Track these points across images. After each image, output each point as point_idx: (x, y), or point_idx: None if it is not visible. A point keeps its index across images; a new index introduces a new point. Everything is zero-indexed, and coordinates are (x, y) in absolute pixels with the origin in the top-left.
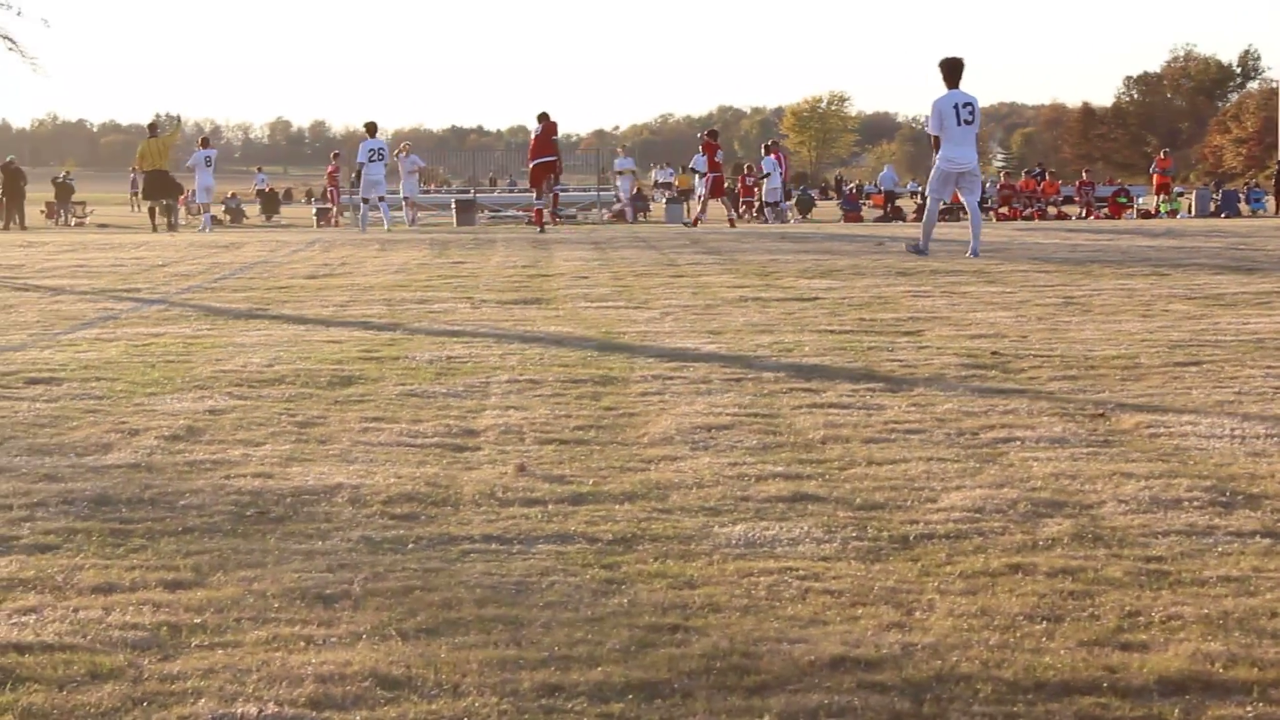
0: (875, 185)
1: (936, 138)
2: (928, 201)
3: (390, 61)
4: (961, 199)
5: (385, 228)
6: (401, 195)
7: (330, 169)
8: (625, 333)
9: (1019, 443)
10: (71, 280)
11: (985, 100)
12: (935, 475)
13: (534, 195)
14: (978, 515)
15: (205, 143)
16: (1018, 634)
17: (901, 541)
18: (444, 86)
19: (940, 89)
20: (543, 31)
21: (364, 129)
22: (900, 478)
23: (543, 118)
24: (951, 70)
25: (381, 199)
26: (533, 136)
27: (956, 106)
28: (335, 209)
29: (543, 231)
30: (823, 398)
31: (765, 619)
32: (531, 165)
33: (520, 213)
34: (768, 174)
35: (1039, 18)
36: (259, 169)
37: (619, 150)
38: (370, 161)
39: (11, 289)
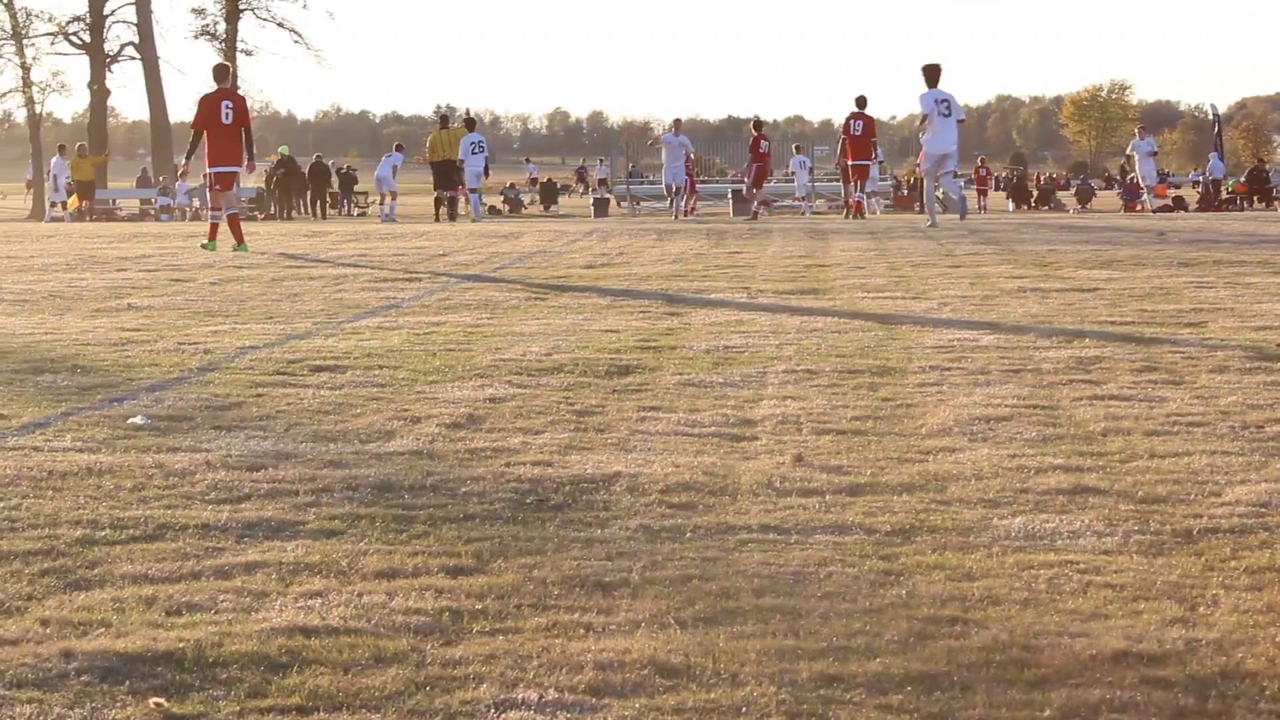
0: (1206, 174)
1: (923, 125)
2: (924, 181)
3: (667, 51)
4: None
5: (474, 219)
6: (664, 182)
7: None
8: (902, 323)
9: None
10: (355, 269)
11: (1269, 88)
12: (1219, 469)
13: (851, 187)
14: (1263, 510)
15: (399, 148)
16: None
17: (1184, 535)
18: (721, 76)
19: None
20: (817, 21)
21: (463, 124)
22: (1183, 471)
23: (864, 117)
24: (931, 74)
25: (474, 190)
26: (851, 132)
27: (936, 101)
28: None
29: (860, 217)
30: (1103, 389)
31: (1045, 612)
32: (851, 165)
33: (795, 202)
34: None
35: None
36: (527, 159)
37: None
38: (472, 155)
39: (296, 279)
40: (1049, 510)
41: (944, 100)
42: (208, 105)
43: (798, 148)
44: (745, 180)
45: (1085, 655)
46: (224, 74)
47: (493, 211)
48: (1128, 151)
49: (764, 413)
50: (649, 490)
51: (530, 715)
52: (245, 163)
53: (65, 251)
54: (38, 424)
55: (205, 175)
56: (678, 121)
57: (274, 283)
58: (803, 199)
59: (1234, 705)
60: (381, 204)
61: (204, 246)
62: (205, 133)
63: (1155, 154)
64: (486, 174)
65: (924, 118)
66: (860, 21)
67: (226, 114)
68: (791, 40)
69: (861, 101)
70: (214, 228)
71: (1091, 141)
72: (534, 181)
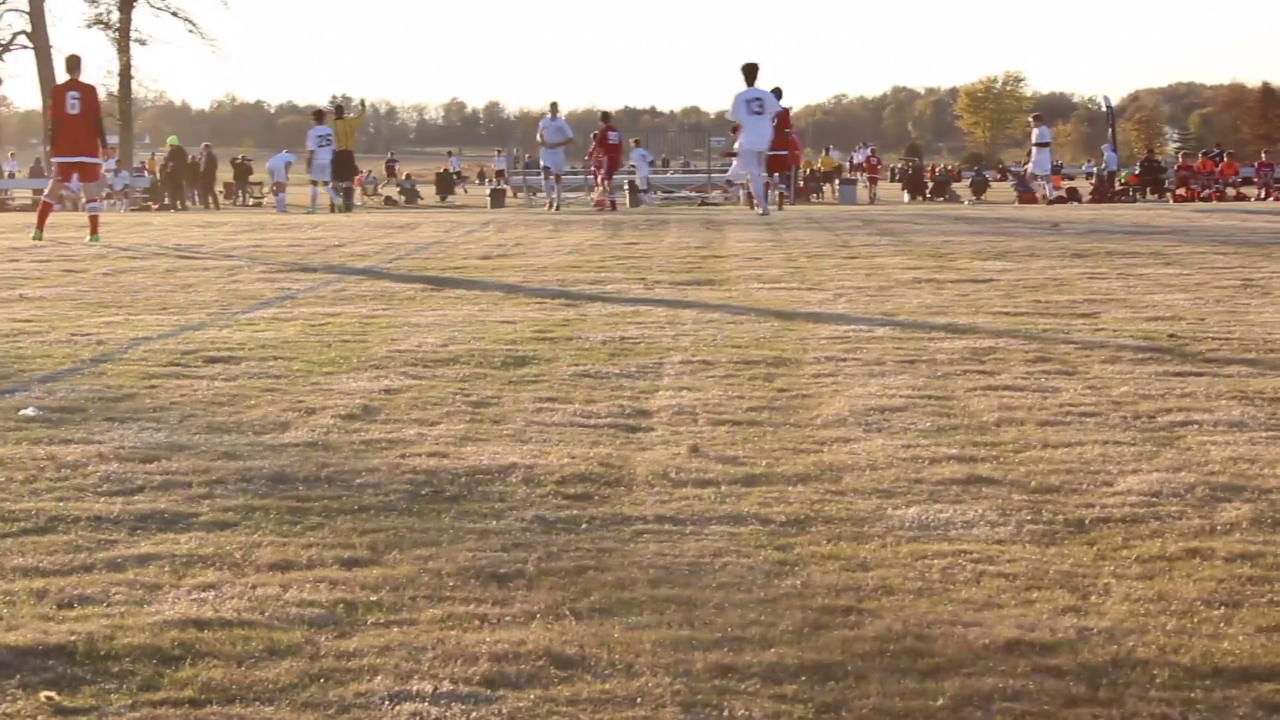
0: (1103, 166)
1: (737, 125)
2: (748, 177)
3: (564, 41)
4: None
5: (312, 209)
6: (542, 165)
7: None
8: (798, 314)
9: (1196, 426)
10: (249, 260)
11: (1161, 80)
12: (1111, 459)
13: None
14: (1154, 499)
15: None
16: (1195, 619)
17: (1077, 525)
18: (617, 66)
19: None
20: (715, 10)
21: (313, 117)
22: (1075, 461)
23: (779, 108)
24: (748, 72)
25: (326, 183)
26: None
27: (748, 101)
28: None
29: (778, 210)
30: (997, 380)
31: (939, 602)
32: (769, 155)
33: (693, 193)
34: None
35: None
36: (449, 152)
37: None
38: (319, 148)
39: (190, 269)
40: (943, 500)
41: (756, 99)
42: (54, 96)
43: (636, 141)
44: (593, 172)
45: (978, 644)
46: (74, 65)
47: (389, 203)
48: (1033, 141)
49: (660, 403)
50: (545, 481)
51: (425, 707)
52: (101, 151)
53: None
54: None
55: (52, 163)
56: (554, 105)
57: (168, 273)
58: (643, 191)
59: (1125, 693)
60: (276, 194)
61: (33, 238)
62: (55, 123)
63: (1047, 145)
64: (341, 174)
65: (733, 122)
66: (754, 13)
67: (72, 104)
68: (688, 31)
69: (778, 93)
70: (47, 216)
71: (986, 133)
72: (458, 174)
